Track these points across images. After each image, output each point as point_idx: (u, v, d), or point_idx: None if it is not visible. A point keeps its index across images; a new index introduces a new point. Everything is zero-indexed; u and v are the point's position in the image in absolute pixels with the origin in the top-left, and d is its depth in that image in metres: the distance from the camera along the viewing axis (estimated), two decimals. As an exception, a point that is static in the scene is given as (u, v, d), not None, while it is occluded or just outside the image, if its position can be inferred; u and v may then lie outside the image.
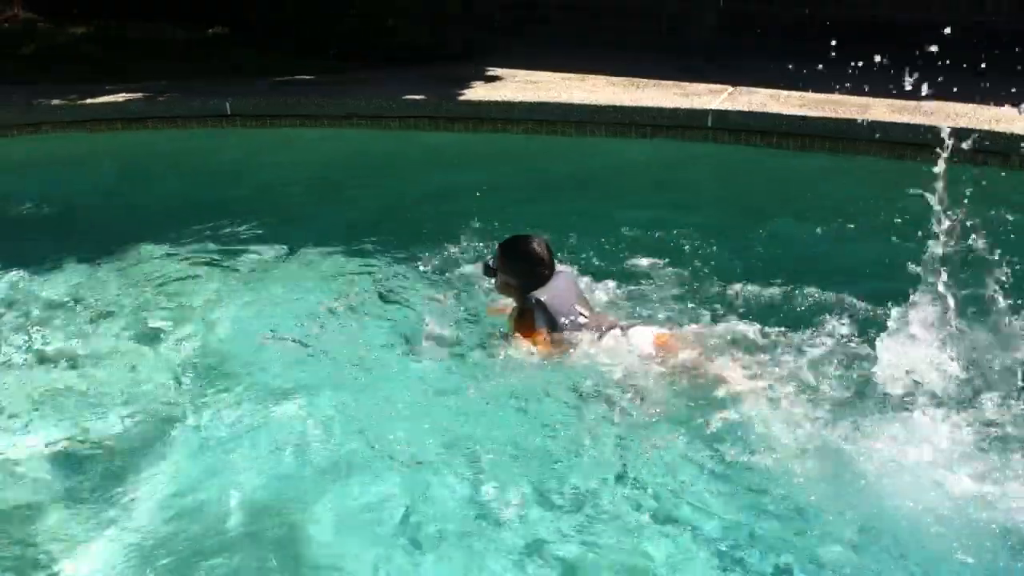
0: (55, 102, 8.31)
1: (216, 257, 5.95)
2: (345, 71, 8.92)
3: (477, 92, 8.17)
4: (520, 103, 7.73)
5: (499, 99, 7.86)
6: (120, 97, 8.38)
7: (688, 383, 4.16)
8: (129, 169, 7.77)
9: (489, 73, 8.77)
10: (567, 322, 4.35)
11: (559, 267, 4.62)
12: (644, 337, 4.34)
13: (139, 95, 8.40)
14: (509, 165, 7.43)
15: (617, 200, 6.64)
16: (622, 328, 4.39)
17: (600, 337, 4.33)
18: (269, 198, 7.05)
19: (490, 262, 4.63)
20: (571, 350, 4.31)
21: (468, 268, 5.30)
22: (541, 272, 4.47)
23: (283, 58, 9.28)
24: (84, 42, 10.25)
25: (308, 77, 8.86)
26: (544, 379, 4.21)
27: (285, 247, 5.99)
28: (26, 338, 4.98)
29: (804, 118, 7.14)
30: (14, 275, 5.68)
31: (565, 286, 4.51)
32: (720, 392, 4.06)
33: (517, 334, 4.38)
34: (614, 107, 7.59)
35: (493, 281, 4.67)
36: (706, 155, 7.29)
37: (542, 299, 4.37)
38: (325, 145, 7.94)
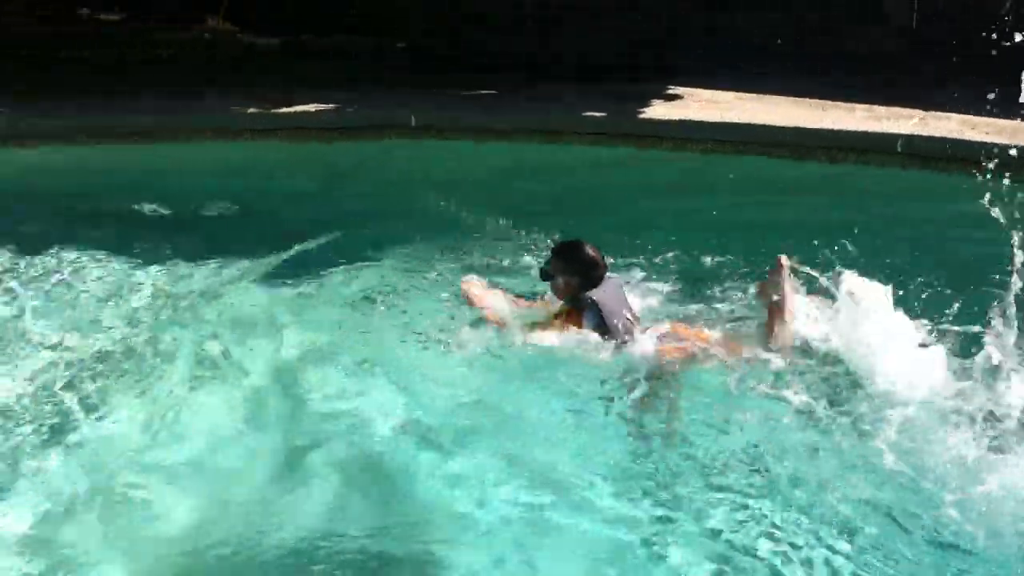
0: (251, 110, 8.71)
1: (394, 264, 6.11)
2: (527, 86, 9.07)
3: (656, 110, 8.18)
4: (702, 123, 7.71)
5: (680, 118, 7.86)
6: (311, 107, 8.72)
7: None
8: (320, 177, 8.03)
9: (668, 92, 8.76)
10: (618, 322, 4.63)
11: (609, 273, 4.84)
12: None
13: (330, 105, 8.72)
14: (685, 184, 7.43)
15: (799, 224, 6.55)
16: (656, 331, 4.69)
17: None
18: (447, 208, 7.18)
19: (546, 267, 4.84)
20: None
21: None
22: (596, 275, 4.72)
23: (466, 72, 9.49)
24: (277, 53, 10.72)
25: (491, 92, 9.04)
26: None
27: (462, 256, 6.10)
28: (204, 338, 5.24)
29: (998, 146, 6.88)
30: (202, 274, 5.99)
31: (615, 290, 4.78)
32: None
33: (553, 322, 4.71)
34: (797, 128, 7.49)
35: (549, 284, 4.86)
36: (894, 180, 7.11)
37: (595, 299, 4.63)
38: (503, 158, 8.06)
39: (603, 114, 8.10)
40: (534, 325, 4.75)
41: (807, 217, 6.58)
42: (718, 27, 10.19)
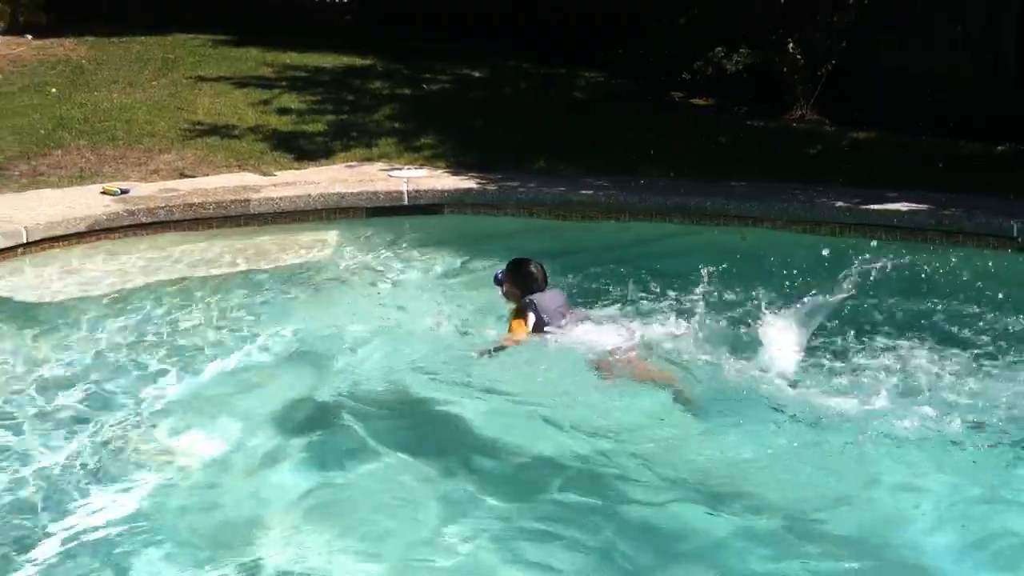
0: (838, 204, 8.54)
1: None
2: None
3: None
4: None
5: None
6: (902, 206, 8.37)
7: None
8: (897, 279, 7.54)
9: None
10: (547, 318, 5.86)
11: (553, 286, 6.17)
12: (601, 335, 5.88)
13: (923, 206, 8.32)
14: None
15: None
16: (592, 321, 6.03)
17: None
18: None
19: (499, 275, 6.16)
20: (547, 338, 5.81)
21: None
22: (534, 286, 6.03)
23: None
24: (867, 147, 10.47)
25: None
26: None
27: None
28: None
29: None
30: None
31: (552, 297, 6.04)
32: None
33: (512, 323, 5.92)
34: None
35: (500, 289, 6.17)
36: None
37: (533, 300, 5.91)
38: None
39: None
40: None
41: None
42: None
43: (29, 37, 13.65)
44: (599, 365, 5.70)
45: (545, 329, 5.86)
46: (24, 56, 12.91)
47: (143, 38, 13.92)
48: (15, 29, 13.75)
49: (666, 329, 6.10)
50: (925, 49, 11.60)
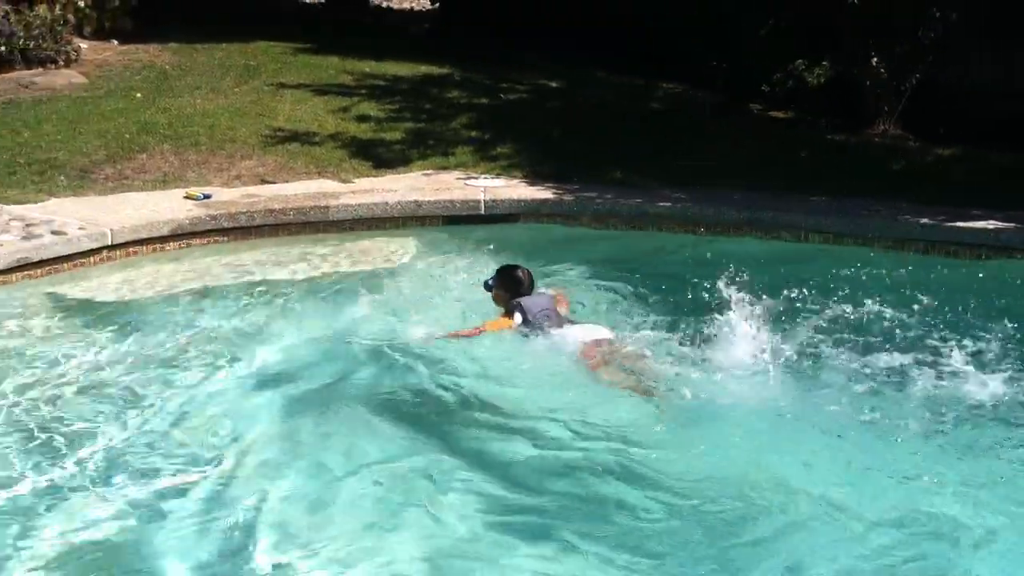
0: (923, 220, 8.38)
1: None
2: None
3: None
4: None
5: None
6: (989, 224, 8.18)
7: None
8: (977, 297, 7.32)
9: None
10: (533, 318, 6.31)
11: (542, 289, 6.70)
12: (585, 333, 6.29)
13: (1009, 224, 8.13)
14: None
15: None
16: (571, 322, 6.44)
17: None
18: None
19: (489, 281, 6.64)
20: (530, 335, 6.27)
21: None
22: (521, 290, 6.50)
23: None
24: (952, 164, 10.25)
25: None
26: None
27: None
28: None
29: None
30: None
31: (537, 300, 6.45)
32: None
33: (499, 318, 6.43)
34: None
35: (491, 294, 6.61)
36: None
37: (519, 301, 6.38)
38: None
39: None
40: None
41: None
42: None
43: (115, 42, 13.90)
44: (584, 353, 6.09)
45: (530, 328, 6.30)
46: (110, 61, 13.18)
47: (225, 45, 14.12)
48: (101, 34, 13.99)
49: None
50: (1013, 64, 11.33)
